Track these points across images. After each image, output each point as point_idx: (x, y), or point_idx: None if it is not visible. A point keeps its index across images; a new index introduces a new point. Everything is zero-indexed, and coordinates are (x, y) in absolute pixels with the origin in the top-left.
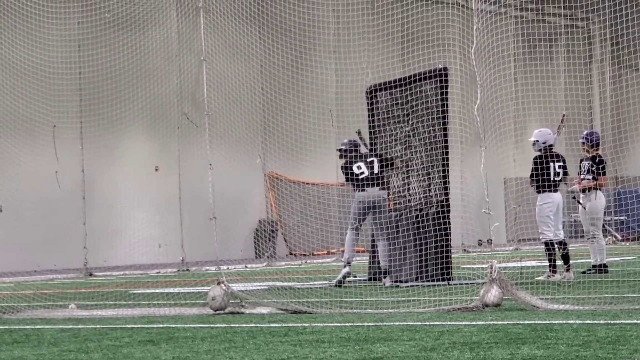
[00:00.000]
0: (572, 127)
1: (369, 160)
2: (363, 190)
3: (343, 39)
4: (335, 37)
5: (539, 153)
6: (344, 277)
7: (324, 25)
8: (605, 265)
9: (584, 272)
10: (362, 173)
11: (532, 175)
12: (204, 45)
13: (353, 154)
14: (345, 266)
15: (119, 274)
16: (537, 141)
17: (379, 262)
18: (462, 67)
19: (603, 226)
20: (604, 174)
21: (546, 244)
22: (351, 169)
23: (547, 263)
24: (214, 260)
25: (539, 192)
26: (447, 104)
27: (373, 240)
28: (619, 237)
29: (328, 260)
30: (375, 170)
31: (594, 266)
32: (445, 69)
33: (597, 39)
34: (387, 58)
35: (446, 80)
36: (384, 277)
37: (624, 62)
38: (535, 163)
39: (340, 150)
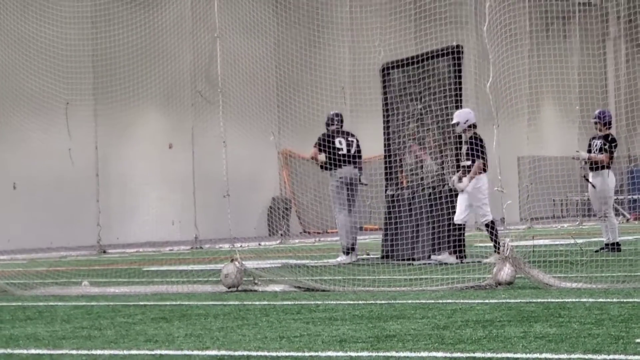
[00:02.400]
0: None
1: (349, 139)
2: (340, 167)
3: (357, 17)
4: (350, 14)
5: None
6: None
7: (338, 2)
8: (618, 244)
9: (597, 251)
10: (341, 150)
11: (480, 156)
12: (218, 22)
13: (336, 126)
14: (348, 253)
15: (132, 251)
16: (459, 122)
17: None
18: (476, 44)
19: (613, 206)
20: (612, 153)
21: (488, 225)
22: (333, 142)
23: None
24: (227, 237)
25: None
26: (460, 82)
27: (386, 219)
28: (629, 217)
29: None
30: (352, 150)
31: (606, 245)
32: (459, 46)
33: (612, 17)
34: (400, 35)
35: (460, 58)
36: (347, 254)
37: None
38: (471, 143)
39: (327, 118)
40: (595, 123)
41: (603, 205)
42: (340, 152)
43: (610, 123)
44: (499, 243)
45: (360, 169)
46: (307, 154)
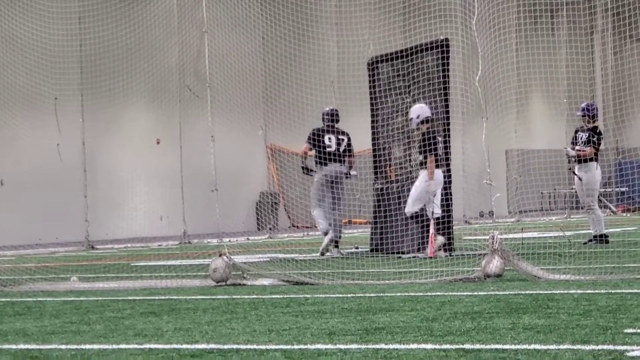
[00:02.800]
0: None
1: (340, 137)
2: (326, 165)
3: (345, 10)
4: (337, 8)
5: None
6: (328, 245)
7: None
8: (605, 236)
9: (585, 243)
10: (330, 147)
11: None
12: (206, 16)
13: (327, 123)
14: (326, 234)
15: (120, 246)
16: (412, 118)
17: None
18: (463, 38)
19: (599, 198)
20: (598, 145)
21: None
22: (322, 138)
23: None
24: (215, 232)
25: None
26: (448, 75)
27: (374, 212)
28: (615, 210)
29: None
30: (342, 148)
31: (594, 237)
32: (446, 40)
33: (599, 10)
34: (388, 29)
35: (448, 52)
36: (335, 248)
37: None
38: (428, 138)
39: (323, 114)
40: (583, 116)
41: (588, 197)
42: (328, 149)
43: (596, 116)
44: (426, 241)
45: (350, 166)
46: (299, 150)
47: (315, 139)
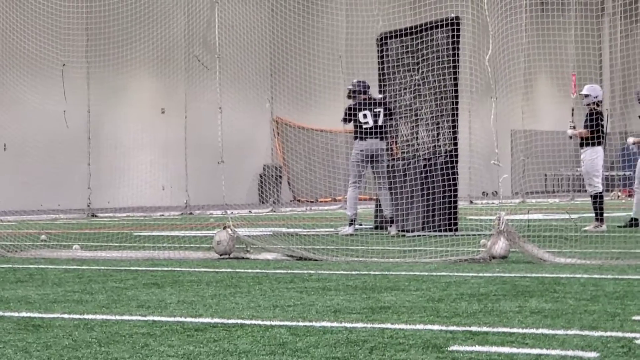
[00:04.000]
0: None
1: (376, 110)
2: (364, 140)
3: None
4: None
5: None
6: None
7: None
8: (636, 219)
9: (624, 226)
10: (367, 123)
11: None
12: None
13: (362, 98)
14: (350, 224)
15: (122, 215)
16: (589, 95)
17: (382, 213)
18: (474, 16)
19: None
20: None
21: (596, 196)
22: (357, 115)
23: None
24: (217, 204)
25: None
26: (458, 54)
27: (379, 189)
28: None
29: (333, 208)
30: (380, 122)
31: (634, 219)
32: (457, 17)
33: None
34: (398, 5)
35: (458, 30)
36: (390, 226)
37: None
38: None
39: (349, 90)
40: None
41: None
42: (365, 126)
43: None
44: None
45: (387, 141)
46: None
47: (349, 118)
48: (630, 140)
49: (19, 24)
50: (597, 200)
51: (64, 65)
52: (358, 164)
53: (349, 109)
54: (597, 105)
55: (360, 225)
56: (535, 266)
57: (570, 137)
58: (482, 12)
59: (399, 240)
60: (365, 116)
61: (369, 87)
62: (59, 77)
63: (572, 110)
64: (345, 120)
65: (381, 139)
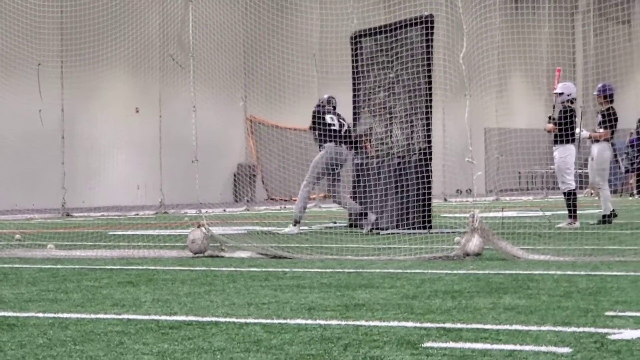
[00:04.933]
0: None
1: (341, 119)
2: (339, 145)
3: None
4: None
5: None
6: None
7: None
8: (608, 216)
9: (597, 224)
10: (333, 125)
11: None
12: None
13: (328, 107)
14: (295, 224)
15: (97, 215)
16: (562, 93)
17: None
18: (447, 14)
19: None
20: (605, 127)
21: (569, 193)
22: (324, 118)
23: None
24: (192, 203)
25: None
26: (431, 52)
27: (354, 187)
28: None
29: (308, 206)
30: (344, 128)
31: (604, 216)
32: (431, 16)
33: None
34: (372, 3)
35: (432, 28)
36: (364, 219)
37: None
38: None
39: (320, 101)
40: (597, 96)
41: (598, 177)
42: (332, 128)
43: (611, 97)
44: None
45: (352, 150)
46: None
47: (317, 122)
48: (585, 134)
49: None
50: (570, 197)
51: (39, 64)
52: (326, 167)
53: (316, 113)
54: (571, 102)
55: (335, 223)
56: (509, 263)
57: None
58: (456, 10)
59: (373, 238)
60: (332, 118)
61: (335, 106)
62: (34, 76)
63: (554, 106)
64: (314, 126)
65: (347, 147)
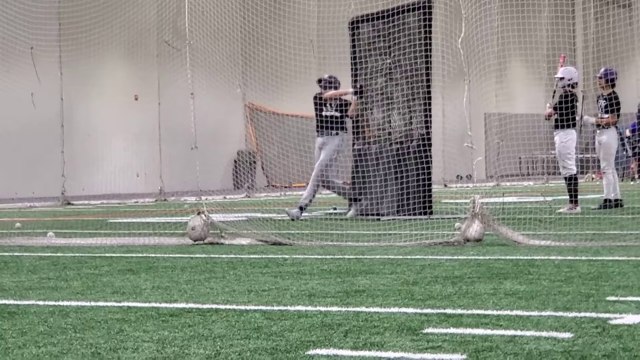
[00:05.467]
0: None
1: (341, 101)
2: (346, 131)
3: None
4: None
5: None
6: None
7: None
8: (610, 201)
9: (597, 208)
10: (333, 116)
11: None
12: None
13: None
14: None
15: (96, 202)
16: (563, 78)
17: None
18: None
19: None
20: (612, 111)
21: (570, 178)
22: (321, 112)
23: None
24: (192, 190)
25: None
26: (430, 37)
27: (353, 173)
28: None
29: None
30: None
31: (606, 200)
32: (429, 1)
33: None
34: None
35: (430, 13)
36: (353, 204)
37: None
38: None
39: (322, 80)
40: (600, 79)
41: (604, 161)
42: (333, 117)
43: (613, 81)
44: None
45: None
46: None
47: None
48: (592, 120)
49: None
50: (571, 182)
51: (32, 48)
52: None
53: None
54: (572, 87)
55: (335, 209)
56: (509, 248)
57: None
58: None
59: (374, 224)
60: (328, 110)
61: (338, 84)
62: (29, 62)
63: (554, 92)
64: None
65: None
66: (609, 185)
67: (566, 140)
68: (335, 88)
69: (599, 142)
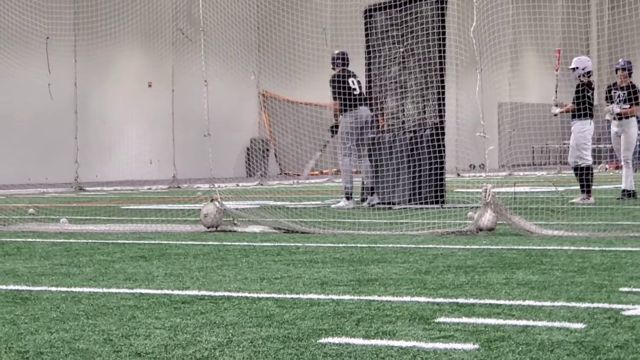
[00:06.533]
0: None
1: (357, 79)
2: (357, 107)
3: None
4: None
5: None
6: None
7: None
8: (627, 191)
9: (618, 199)
10: (355, 90)
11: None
12: None
13: (346, 67)
14: (348, 198)
15: (110, 189)
16: (577, 67)
17: (363, 183)
18: None
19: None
20: (633, 101)
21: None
22: (347, 82)
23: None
24: (205, 177)
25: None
26: (444, 26)
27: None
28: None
29: (320, 181)
30: (364, 89)
31: (624, 191)
32: None
33: None
34: None
35: (444, 2)
36: (370, 196)
37: None
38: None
39: (333, 58)
40: (618, 70)
41: (626, 152)
42: (355, 93)
43: (631, 70)
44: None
45: (377, 109)
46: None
47: (340, 86)
48: (617, 109)
49: None
50: (587, 172)
51: (47, 38)
52: (352, 132)
53: (337, 79)
54: (587, 76)
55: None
56: (522, 238)
57: (555, 115)
58: None
59: (386, 213)
60: (353, 83)
61: (348, 60)
62: (45, 50)
63: (556, 87)
64: (337, 93)
65: (368, 106)
66: (629, 176)
67: (583, 130)
68: (343, 65)
69: (616, 133)
